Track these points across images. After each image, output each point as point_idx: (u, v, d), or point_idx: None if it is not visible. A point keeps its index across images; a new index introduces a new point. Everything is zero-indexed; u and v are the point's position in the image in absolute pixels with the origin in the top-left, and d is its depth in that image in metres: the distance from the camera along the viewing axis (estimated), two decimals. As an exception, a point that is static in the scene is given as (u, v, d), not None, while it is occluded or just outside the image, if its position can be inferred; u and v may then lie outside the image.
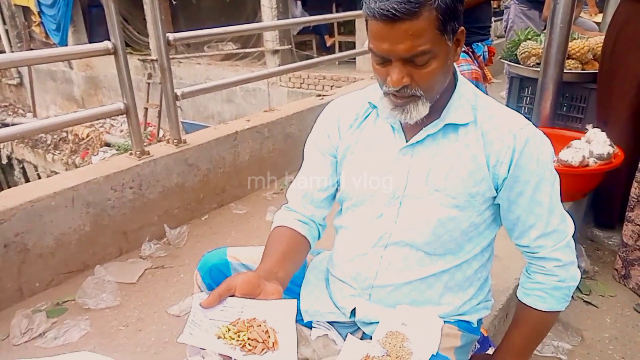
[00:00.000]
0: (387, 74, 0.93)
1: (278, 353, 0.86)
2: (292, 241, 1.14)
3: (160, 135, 7.64)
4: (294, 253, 1.12)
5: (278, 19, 7.39)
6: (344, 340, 1.10)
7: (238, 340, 0.85)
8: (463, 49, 2.47)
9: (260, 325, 0.88)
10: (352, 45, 7.59)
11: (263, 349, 0.85)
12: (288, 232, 1.16)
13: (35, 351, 1.64)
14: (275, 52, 7.77)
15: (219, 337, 0.86)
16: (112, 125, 8.75)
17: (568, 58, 2.50)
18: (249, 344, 0.85)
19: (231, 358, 0.85)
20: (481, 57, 2.64)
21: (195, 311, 0.89)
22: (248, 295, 0.93)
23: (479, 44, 2.62)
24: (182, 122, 7.53)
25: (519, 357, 1.16)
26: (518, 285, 1.70)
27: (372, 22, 0.89)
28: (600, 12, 3.96)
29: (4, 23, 10.34)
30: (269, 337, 0.87)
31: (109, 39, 2.09)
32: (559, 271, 1.07)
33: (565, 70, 2.45)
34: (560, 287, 1.08)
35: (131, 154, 2.29)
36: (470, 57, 2.53)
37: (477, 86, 2.42)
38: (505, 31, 3.99)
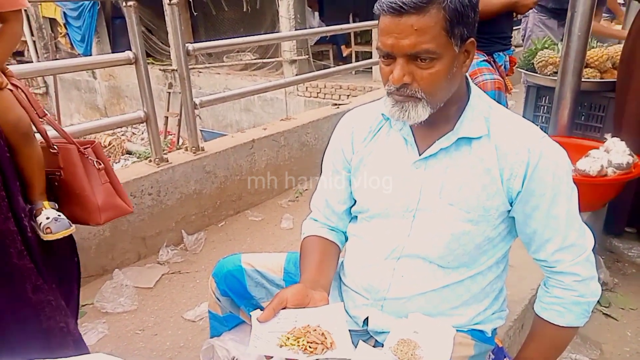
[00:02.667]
0: (391, 72, 0.95)
1: (337, 351, 0.93)
2: (324, 248, 1.19)
3: (180, 143, 7.76)
4: (329, 259, 1.18)
5: (296, 30, 7.47)
6: (356, 347, 1.10)
7: (299, 346, 0.92)
8: (484, 58, 2.48)
9: (315, 330, 0.95)
10: (368, 55, 7.60)
11: (323, 349, 0.92)
12: (319, 241, 1.20)
13: (54, 353, 1.68)
14: (293, 62, 7.84)
15: (280, 346, 0.93)
16: (134, 133, 8.93)
17: (586, 67, 2.48)
18: (310, 347, 0.92)
19: None
20: (502, 66, 2.63)
21: (255, 326, 0.96)
22: (299, 305, 1.00)
23: (500, 53, 2.60)
24: (201, 131, 7.65)
25: None
26: (533, 295, 1.70)
27: (381, 18, 0.92)
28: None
29: (32, 34, 10.66)
30: (326, 338, 0.94)
31: (131, 49, 2.15)
32: (577, 286, 1.05)
33: (583, 79, 2.42)
34: (579, 303, 1.06)
35: (150, 161, 2.34)
36: (492, 67, 2.52)
37: (499, 96, 2.40)
38: (523, 40, 3.97)
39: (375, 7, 0.93)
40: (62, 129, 1.49)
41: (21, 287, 1.24)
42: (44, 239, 1.31)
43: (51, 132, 1.45)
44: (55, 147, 1.41)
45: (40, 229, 1.32)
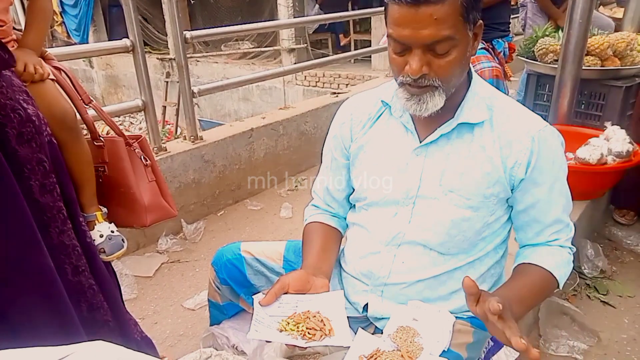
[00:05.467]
0: (405, 63, 0.92)
1: (335, 338, 0.94)
2: (326, 235, 1.20)
3: (178, 133, 7.73)
4: (330, 245, 1.19)
5: (294, 18, 7.41)
6: (355, 334, 1.11)
7: (298, 331, 0.94)
8: (483, 46, 2.47)
9: (315, 316, 0.97)
10: (367, 44, 7.57)
11: (322, 336, 0.94)
12: (321, 227, 1.21)
13: (55, 341, 1.69)
14: (291, 50, 7.80)
15: (281, 331, 0.95)
16: (132, 123, 8.89)
17: (587, 54, 2.46)
18: (309, 333, 0.94)
19: (296, 347, 0.93)
20: (502, 53, 2.61)
21: (257, 310, 0.98)
22: (300, 291, 1.02)
23: (499, 40, 2.59)
24: (199, 120, 7.60)
25: (521, 304, 0.97)
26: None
27: (394, 6, 0.88)
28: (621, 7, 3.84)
29: (27, 23, 10.58)
30: (325, 325, 0.96)
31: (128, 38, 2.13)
32: (567, 255, 1.09)
33: (583, 67, 2.40)
34: (570, 263, 1.08)
35: (149, 150, 2.33)
36: (491, 54, 2.50)
37: (497, 84, 2.39)
38: (523, 29, 3.94)
39: None
40: (110, 118, 1.32)
41: (76, 307, 1.08)
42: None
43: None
44: (101, 139, 1.26)
45: None
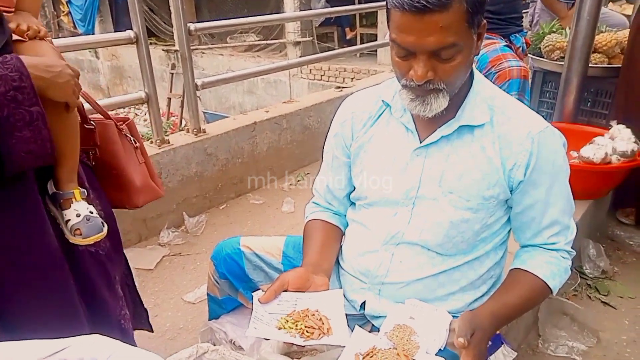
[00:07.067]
0: (409, 67, 0.92)
1: (333, 337, 0.95)
2: (327, 232, 1.20)
3: (183, 125, 7.75)
4: (331, 243, 1.19)
5: (300, 11, 7.38)
6: (352, 332, 1.11)
7: (297, 329, 0.95)
8: (506, 43, 2.42)
9: (314, 315, 0.98)
10: (373, 38, 7.54)
11: (320, 335, 0.94)
12: (322, 225, 1.22)
13: (56, 332, 1.70)
14: (297, 43, 7.77)
15: (279, 328, 0.95)
16: (137, 114, 8.91)
17: (594, 52, 2.43)
18: (307, 331, 0.94)
19: (293, 345, 0.94)
20: (520, 49, 2.57)
21: (256, 307, 0.99)
22: (300, 289, 1.02)
23: (517, 35, 2.55)
24: (203, 113, 7.62)
25: (507, 318, 1.04)
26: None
27: (397, 13, 0.87)
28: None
29: (34, 13, 10.60)
30: (323, 324, 0.96)
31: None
32: (567, 261, 1.09)
33: (590, 65, 2.38)
34: (567, 272, 1.09)
35: (152, 142, 2.33)
36: (514, 51, 2.46)
37: (524, 84, 2.33)
38: (530, 25, 3.90)
39: (388, 1, 0.89)
40: (97, 102, 1.31)
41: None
42: (71, 242, 1.07)
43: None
44: (92, 122, 1.22)
45: (67, 227, 1.07)
